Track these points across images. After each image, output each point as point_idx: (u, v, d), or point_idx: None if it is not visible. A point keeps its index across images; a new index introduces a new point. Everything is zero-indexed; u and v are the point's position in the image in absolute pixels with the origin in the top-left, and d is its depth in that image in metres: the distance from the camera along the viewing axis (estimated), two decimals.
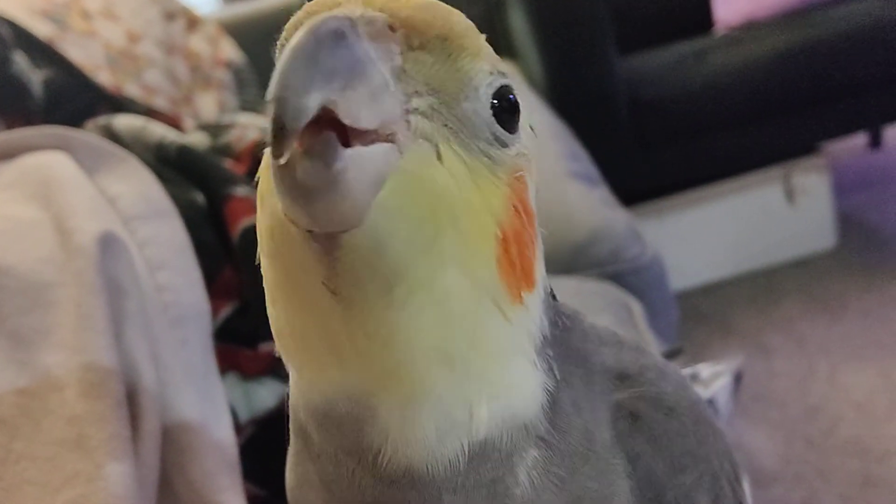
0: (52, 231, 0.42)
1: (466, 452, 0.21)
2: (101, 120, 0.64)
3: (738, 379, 0.52)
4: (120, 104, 0.85)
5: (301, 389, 0.23)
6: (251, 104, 1.58)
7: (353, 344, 0.19)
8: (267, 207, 0.19)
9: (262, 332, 0.52)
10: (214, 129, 0.72)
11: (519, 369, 0.22)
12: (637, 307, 0.74)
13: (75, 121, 0.72)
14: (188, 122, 0.94)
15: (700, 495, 0.27)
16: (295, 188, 0.17)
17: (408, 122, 0.19)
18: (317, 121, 0.16)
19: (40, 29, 1.04)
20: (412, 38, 0.19)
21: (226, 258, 0.54)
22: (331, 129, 0.16)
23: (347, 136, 0.17)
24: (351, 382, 0.20)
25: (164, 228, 0.49)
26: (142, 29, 1.47)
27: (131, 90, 1.40)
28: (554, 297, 0.25)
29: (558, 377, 0.23)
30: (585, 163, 1.06)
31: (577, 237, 0.81)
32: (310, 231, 0.18)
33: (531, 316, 0.22)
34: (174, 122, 0.86)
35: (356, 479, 0.22)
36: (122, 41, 1.44)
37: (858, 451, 1.19)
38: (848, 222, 1.88)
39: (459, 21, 0.20)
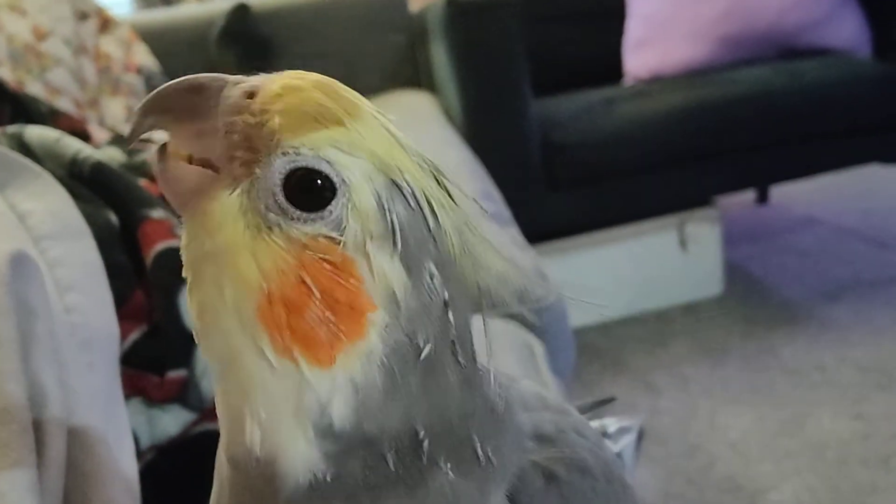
0: None
1: (253, 462, 0.23)
2: (11, 129, 0.62)
3: (640, 436, 0.55)
4: (22, 102, 0.81)
5: None
6: None
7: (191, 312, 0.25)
8: None
9: (170, 358, 0.52)
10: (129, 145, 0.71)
11: (284, 426, 0.23)
12: (539, 348, 0.77)
13: None
14: (94, 127, 0.91)
15: None
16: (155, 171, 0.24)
17: (233, 163, 0.23)
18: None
19: None
20: (255, 105, 0.23)
21: (137, 281, 0.53)
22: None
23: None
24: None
25: (76, 249, 0.48)
26: (50, 26, 1.41)
27: (34, 89, 1.35)
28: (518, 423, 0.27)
29: (328, 479, 0.23)
30: (498, 203, 1.09)
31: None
32: None
33: (313, 392, 0.23)
34: (79, 125, 0.82)
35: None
36: (28, 36, 1.39)
37: (732, 489, 1.25)
38: (734, 272, 1.99)
39: (294, 98, 0.23)
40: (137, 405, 0.50)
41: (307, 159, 0.23)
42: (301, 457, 0.23)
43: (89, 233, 0.50)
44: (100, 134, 0.83)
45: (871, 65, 1.78)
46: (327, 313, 0.22)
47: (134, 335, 0.51)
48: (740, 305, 1.86)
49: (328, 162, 0.23)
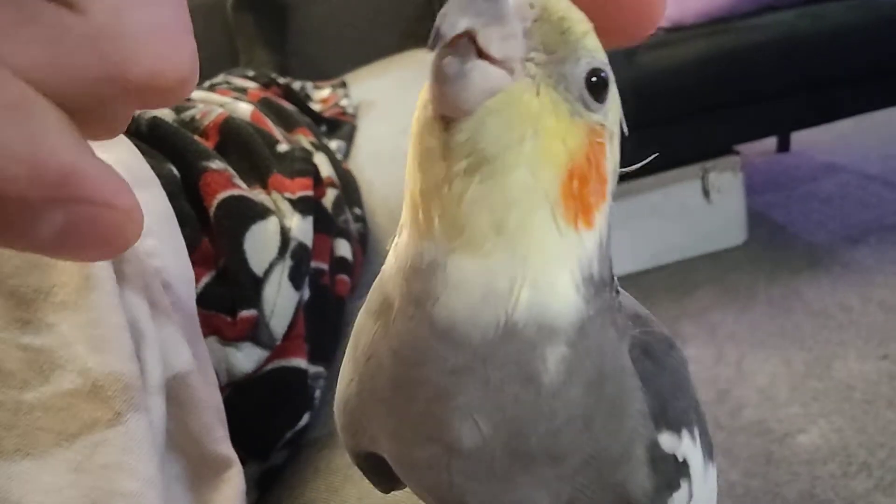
0: None
1: (501, 325, 0.26)
2: None
3: None
4: None
5: (399, 254, 0.28)
6: None
7: (449, 203, 0.26)
8: (420, 114, 0.27)
9: (240, 299, 0.54)
10: (175, 105, 0.72)
11: (561, 280, 0.27)
12: None
13: None
14: None
15: (690, 417, 0.33)
16: (438, 76, 0.24)
17: (524, 64, 0.26)
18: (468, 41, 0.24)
19: None
20: (543, 12, 0.26)
21: (202, 230, 0.55)
22: (475, 50, 0.24)
23: (486, 59, 0.25)
24: (440, 236, 0.26)
25: (149, 197, 0.50)
26: None
27: None
28: (615, 283, 0.31)
29: (592, 313, 0.28)
30: None
31: None
32: (441, 117, 0.26)
33: (584, 249, 0.27)
34: None
35: (418, 333, 0.27)
36: None
37: (761, 432, 1.28)
38: (757, 220, 2.00)
39: (577, 12, 0.27)
40: (214, 343, 0.52)
41: (597, 61, 0.27)
42: (574, 306, 0.27)
43: (158, 182, 0.52)
44: None
45: None
46: (597, 184, 0.27)
47: (205, 279, 0.53)
48: (764, 252, 1.87)
49: (603, 62, 0.27)
